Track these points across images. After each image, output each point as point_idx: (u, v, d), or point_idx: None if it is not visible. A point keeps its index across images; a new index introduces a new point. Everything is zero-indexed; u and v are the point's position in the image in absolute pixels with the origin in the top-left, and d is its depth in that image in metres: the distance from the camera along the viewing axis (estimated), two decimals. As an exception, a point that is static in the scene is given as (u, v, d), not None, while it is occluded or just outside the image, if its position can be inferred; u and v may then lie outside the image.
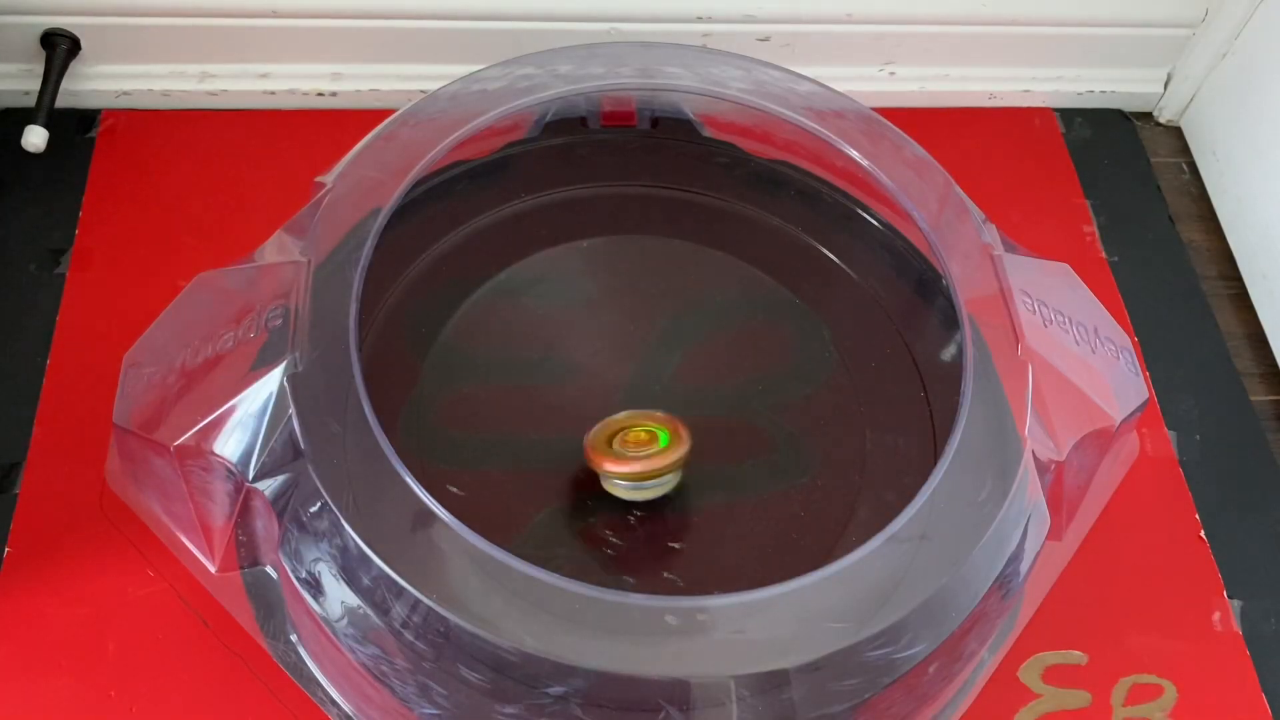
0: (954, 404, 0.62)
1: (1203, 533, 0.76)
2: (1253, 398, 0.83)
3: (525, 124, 0.77)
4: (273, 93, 0.89)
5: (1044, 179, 0.93)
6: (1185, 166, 0.97)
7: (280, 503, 0.59)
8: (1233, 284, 0.90)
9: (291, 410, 0.58)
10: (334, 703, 0.64)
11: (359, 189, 0.67)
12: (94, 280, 0.79)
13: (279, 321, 0.60)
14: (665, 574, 0.65)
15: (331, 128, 0.88)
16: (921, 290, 0.76)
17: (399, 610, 0.56)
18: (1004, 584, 0.60)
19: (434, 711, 0.57)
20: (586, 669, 0.54)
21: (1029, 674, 0.69)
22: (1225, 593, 0.74)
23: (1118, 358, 0.71)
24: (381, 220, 0.65)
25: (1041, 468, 0.62)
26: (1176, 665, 0.70)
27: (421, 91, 0.79)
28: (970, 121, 0.96)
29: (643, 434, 0.65)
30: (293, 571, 0.59)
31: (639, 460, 0.64)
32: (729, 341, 0.75)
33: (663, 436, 0.64)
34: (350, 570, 0.57)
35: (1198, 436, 0.80)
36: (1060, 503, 0.69)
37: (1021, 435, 0.61)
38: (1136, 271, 0.88)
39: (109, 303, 0.78)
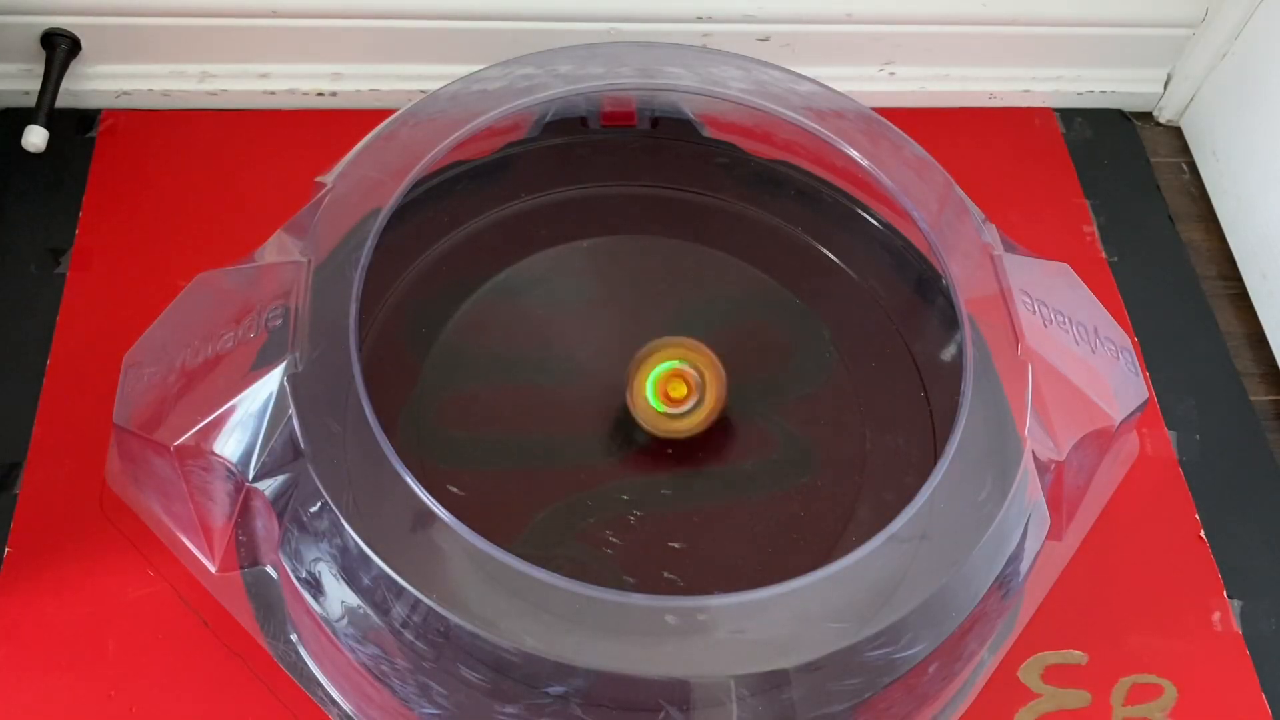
0: (954, 404, 0.62)
1: (1203, 533, 0.76)
2: (1253, 398, 0.83)
3: (525, 124, 0.77)
4: (273, 93, 0.89)
5: (1044, 179, 0.93)
6: (1185, 166, 0.97)
7: (280, 503, 0.59)
8: (1233, 284, 0.90)
9: (291, 410, 0.58)
10: (334, 703, 0.64)
11: (359, 189, 0.67)
12: (94, 280, 0.79)
13: (279, 321, 0.60)
14: (665, 574, 0.65)
15: (331, 128, 0.88)
16: (921, 290, 0.76)
17: (399, 610, 0.56)
18: (1004, 584, 0.60)
19: (434, 711, 0.57)
20: (586, 669, 0.54)
21: (1029, 674, 0.69)
22: (1225, 593, 0.74)
23: (1118, 358, 0.71)
24: (381, 220, 0.65)
25: (1041, 468, 0.62)
26: (1176, 665, 0.70)
27: (421, 91, 0.79)
28: (970, 121, 0.96)
29: (681, 388, 0.68)
30: (293, 571, 0.59)
31: (667, 419, 0.68)
32: (729, 341, 0.75)
33: (699, 391, 0.68)
34: (350, 570, 0.57)
35: (1198, 436, 0.80)
36: (1060, 503, 0.69)
37: (1021, 435, 0.61)
38: (1136, 271, 0.88)
39: (109, 303, 0.78)
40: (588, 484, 0.67)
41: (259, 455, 0.59)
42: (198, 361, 0.62)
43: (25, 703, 0.63)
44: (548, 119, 0.77)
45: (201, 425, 0.60)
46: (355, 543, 0.55)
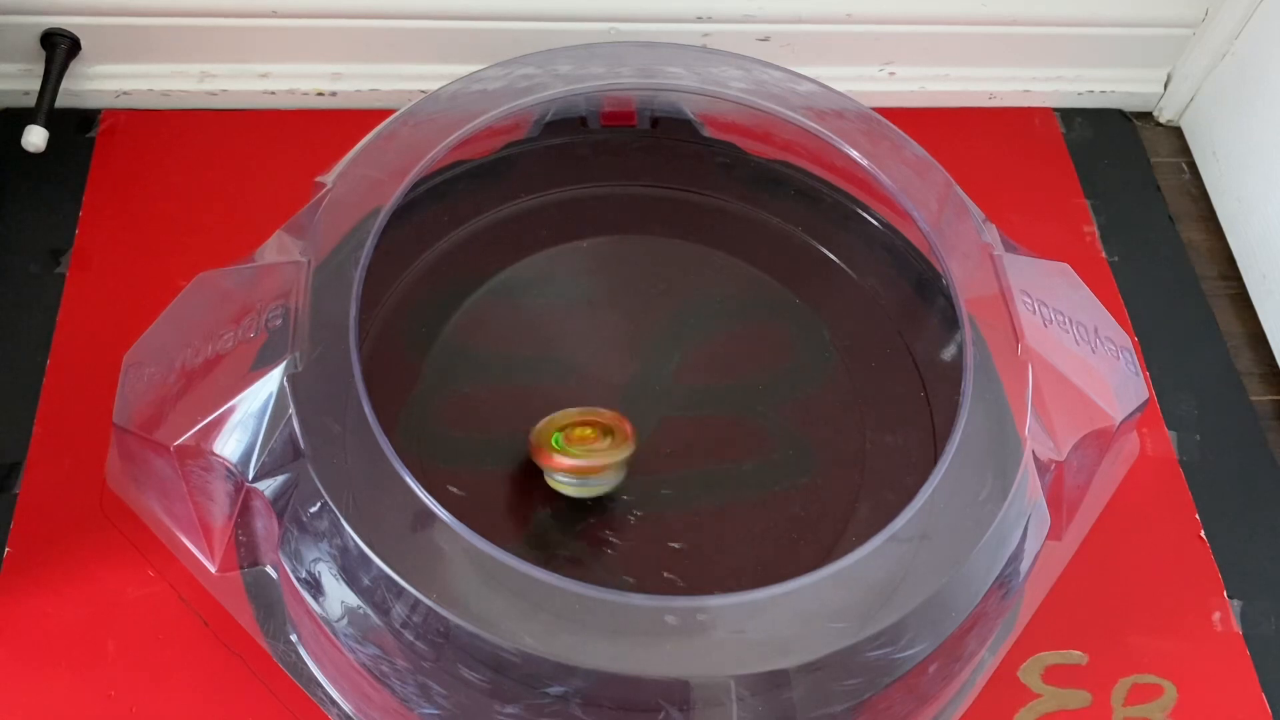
0: (954, 403, 0.62)
1: (1203, 533, 0.76)
2: (1253, 398, 0.83)
3: (525, 124, 0.77)
4: (273, 93, 0.89)
5: (1044, 179, 0.93)
6: (1185, 166, 0.97)
7: (280, 503, 0.59)
8: (1233, 284, 0.90)
9: (291, 410, 0.58)
10: (334, 703, 0.64)
11: (359, 189, 0.67)
12: (94, 280, 0.79)
13: (279, 321, 0.60)
14: (665, 574, 0.65)
15: (331, 128, 0.88)
16: (921, 290, 0.76)
17: (399, 610, 0.56)
18: (1004, 584, 0.60)
19: (434, 711, 0.57)
20: (586, 669, 0.54)
21: (1029, 674, 0.69)
22: (1225, 593, 0.74)
23: (1118, 358, 0.71)
24: (381, 220, 0.65)
25: (1041, 467, 0.62)
26: (1176, 665, 0.70)
27: (421, 91, 0.79)
28: (970, 121, 0.96)
29: (589, 431, 0.65)
30: (293, 571, 0.59)
31: (582, 458, 0.63)
32: (729, 341, 0.75)
33: (607, 435, 0.65)
34: (350, 570, 0.57)
35: (1198, 436, 0.80)
36: (1060, 503, 0.69)
37: (1021, 435, 0.61)
38: (1136, 271, 0.88)
39: (109, 303, 0.78)
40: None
41: (259, 455, 0.59)
42: (198, 361, 0.62)
43: (25, 703, 0.63)
44: (548, 119, 0.77)
45: (201, 425, 0.60)
46: (355, 543, 0.55)
